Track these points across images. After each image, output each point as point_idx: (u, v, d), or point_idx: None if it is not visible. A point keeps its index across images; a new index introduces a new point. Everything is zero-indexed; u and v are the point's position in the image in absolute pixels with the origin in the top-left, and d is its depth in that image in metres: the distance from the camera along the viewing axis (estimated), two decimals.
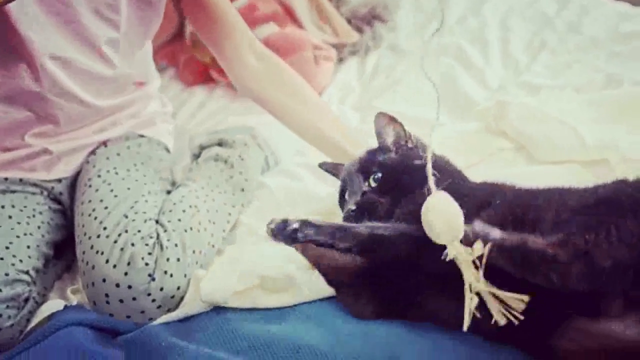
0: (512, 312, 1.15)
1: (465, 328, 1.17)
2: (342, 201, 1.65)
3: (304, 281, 1.51)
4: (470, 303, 1.18)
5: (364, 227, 1.43)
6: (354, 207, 1.54)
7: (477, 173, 1.61)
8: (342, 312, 1.45)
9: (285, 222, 1.53)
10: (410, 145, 1.62)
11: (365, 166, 1.60)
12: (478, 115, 2.00)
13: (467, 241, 1.19)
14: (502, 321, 1.16)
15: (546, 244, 1.14)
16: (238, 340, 1.43)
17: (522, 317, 1.14)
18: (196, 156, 2.08)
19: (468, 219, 1.24)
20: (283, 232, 1.52)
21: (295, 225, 1.50)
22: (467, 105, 2.19)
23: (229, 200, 1.85)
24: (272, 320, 1.47)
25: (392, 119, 1.65)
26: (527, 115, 1.84)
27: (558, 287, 1.13)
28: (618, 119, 1.83)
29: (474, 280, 1.19)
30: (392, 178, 1.55)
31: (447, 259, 1.21)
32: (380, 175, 1.56)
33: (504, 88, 2.26)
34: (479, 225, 1.20)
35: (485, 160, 1.85)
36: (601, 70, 2.18)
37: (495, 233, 1.18)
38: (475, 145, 1.89)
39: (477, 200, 1.38)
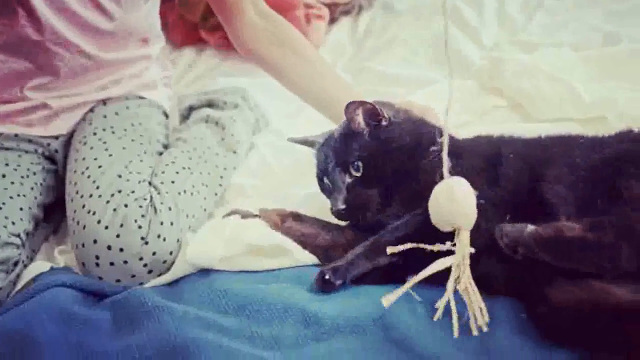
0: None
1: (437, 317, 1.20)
2: (322, 185, 1.53)
3: (293, 247, 1.49)
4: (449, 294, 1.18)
5: (388, 235, 1.34)
6: (343, 206, 1.43)
7: (472, 131, 1.57)
8: None
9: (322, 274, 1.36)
10: (384, 123, 1.46)
11: (341, 156, 1.46)
12: (473, 74, 1.97)
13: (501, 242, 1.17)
14: (475, 326, 1.16)
15: (582, 229, 1.12)
16: (226, 301, 1.40)
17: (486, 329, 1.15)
18: (185, 117, 2.05)
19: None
20: (321, 285, 1.37)
21: (327, 277, 1.34)
22: (462, 64, 2.16)
23: (221, 163, 1.81)
24: (261, 281, 1.44)
25: (362, 103, 1.45)
26: (522, 72, 1.81)
27: (609, 271, 1.10)
28: (615, 76, 1.80)
29: (466, 275, 1.18)
30: (374, 166, 1.42)
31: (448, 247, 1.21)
32: (360, 164, 1.43)
33: (499, 47, 2.22)
34: (507, 227, 1.17)
35: (480, 119, 1.82)
36: (598, 29, 2.15)
37: (529, 229, 1.15)
38: (470, 103, 1.86)
39: (485, 155, 1.35)
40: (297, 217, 1.53)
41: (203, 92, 2.15)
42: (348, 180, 1.43)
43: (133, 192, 1.59)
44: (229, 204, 1.76)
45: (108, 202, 1.57)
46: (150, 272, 1.54)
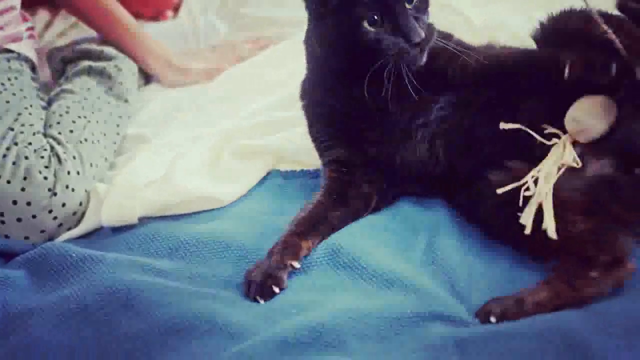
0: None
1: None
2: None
3: (218, 192, 1.46)
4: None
5: None
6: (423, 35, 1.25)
7: None
8: (271, 208, 1.44)
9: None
10: None
11: None
12: None
13: None
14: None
15: None
16: (156, 245, 1.36)
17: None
18: (59, 72, 1.93)
19: None
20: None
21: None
22: None
23: (115, 112, 1.73)
24: (198, 221, 1.40)
25: None
26: None
27: None
28: (502, 3, 1.87)
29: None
30: None
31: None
32: None
33: None
34: None
35: None
36: None
37: None
38: None
39: None
40: None
41: (73, 42, 2.03)
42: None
43: (30, 143, 1.50)
44: (128, 153, 1.69)
45: (5, 155, 1.47)
46: (60, 225, 1.46)
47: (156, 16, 2.34)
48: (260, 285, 1.19)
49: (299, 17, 2.11)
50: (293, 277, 1.24)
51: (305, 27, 1.95)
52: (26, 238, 1.45)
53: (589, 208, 1.17)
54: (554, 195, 1.17)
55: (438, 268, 1.22)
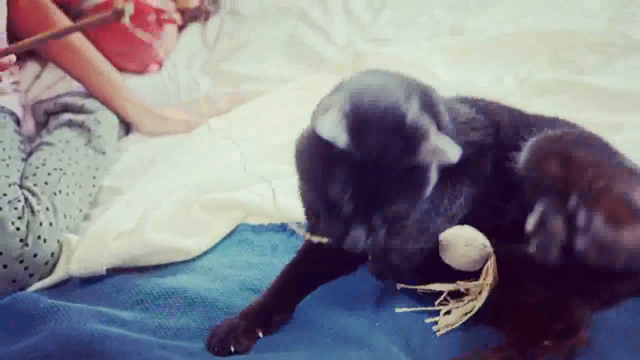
0: None
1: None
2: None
3: (186, 244, 1.49)
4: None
5: None
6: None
7: None
8: (239, 262, 1.47)
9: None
10: None
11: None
12: (335, 70, 2.04)
13: None
14: None
15: None
16: (123, 297, 1.39)
17: None
18: (42, 124, 1.98)
19: None
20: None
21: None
22: (317, 61, 2.23)
23: (92, 164, 1.78)
24: (166, 274, 1.43)
25: None
26: (384, 62, 1.88)
27: None
28: (465, 61, 1.93)
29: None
30: None
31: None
32: None
33: (352, 44, 2.30)
34: None
35: None
36: (443, 22, 2.27)
37: None
38: None
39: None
40: None
41: (57, 95, 2.08)
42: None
43: (5, 194, 1.53)
44: (104, 205, 1.72)
45: None
46: (31, 275, 1.49)
47: (141, 71, 2.39)
48: (221, 341, 1.22)
49: (278, 74, 2.20)
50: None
51: (284, 84, 2.02)
52: None
53: (544, 278, 1.16)
54: (510, 263, 1.18)
55: (393, 326, 1.24)
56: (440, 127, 1.15)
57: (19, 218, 1.50)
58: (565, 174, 1.09)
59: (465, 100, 1.34)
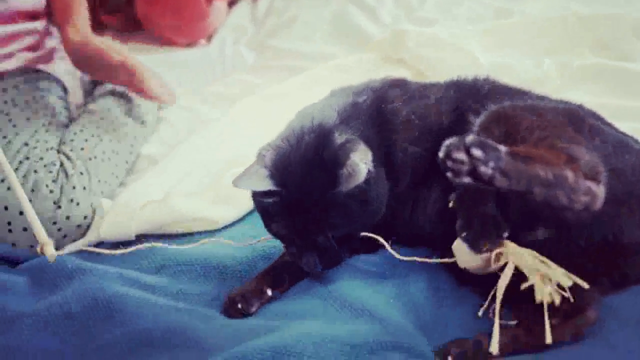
0: None
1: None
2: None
3: (213, 214, 1.51)
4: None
5: None
6: (320, 268, 1.27)
7: None
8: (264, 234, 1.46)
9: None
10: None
11: (316, 224, 1.25)
12: (374, 46, 2.03)
13: None
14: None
15: None
16: (148, 262, 1.43)
17: None
18: (89, 92, 2.03)
19: None
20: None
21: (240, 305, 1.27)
22: (362, 40, 2.23)
23: (131, 132, 1.82)
24: (191, 241, 1.46)
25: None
26: (425, 43, 1.89)
27: None
28: (509, 46, 1.91)
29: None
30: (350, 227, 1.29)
31: None
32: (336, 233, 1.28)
33: (398, 24, 2.29)
34: None
35: None
36: (490, 5, 2.25)
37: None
38: (371, 74, 1.91)
39: None
40: None
41: None
42: (321, 241, 1.26)
43: (42, 158, 1.58)
44: (141, 173, 1.77)
45: (17, 169, 1.55)
46: (64, 236, 1.54)
47: (190, 44, 2.43)
48: (231, 301, 1.26)
49: (323, 52, 2.20)
50: (270, 303, 1.30)
51: (328, 61, 2.03)
52: (31, 247, 1.52)
53: (554, 259, 1.13)
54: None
55: (407, 302, 1.25)
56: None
57: (54, 181, 1.55)
58: (505, 133, 1.16)
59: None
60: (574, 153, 1.10)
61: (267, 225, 1.29)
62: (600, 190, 1.07)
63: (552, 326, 1.10)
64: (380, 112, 1.34)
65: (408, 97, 1.36)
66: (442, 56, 1.84)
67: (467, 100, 1.33)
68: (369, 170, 1.22)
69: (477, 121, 1.22)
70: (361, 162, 1.21)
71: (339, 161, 1.22)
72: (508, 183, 1.05)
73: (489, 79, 1.39)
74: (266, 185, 1.24)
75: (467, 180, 1.05)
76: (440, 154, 1.04)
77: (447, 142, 1.04)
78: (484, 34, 1.95)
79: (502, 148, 1.05)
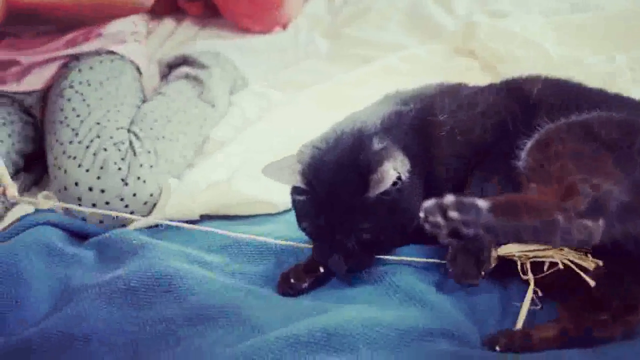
0: None
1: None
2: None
3: (274, 198, 1.54)
4: None
5: None
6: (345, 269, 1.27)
7: None
8: None
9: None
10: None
11: (344, 225, 1.26)
12: (447, 39, 2.03)
13: None
14: None
15: None
16: (209, 241, 1.47)
17: None
18: (165, 77, 2.08)
19: None
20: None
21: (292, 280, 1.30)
22: (435, 31, 2.22)
23: (201, 114, 1.86)
24: (253, 223, 1.49)
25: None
26: (496, 35, 1.88)
27: None
28: (583, 41, 1.87)
29: None
30: (381, 232, 1.29)
31: None
32: (368, 236, 1.27)
33: (472, 16, 2.28)
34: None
35: (454, 79, 1.87)
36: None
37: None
38: (443, 64, 1.92)
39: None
40: None
41: (181, 53, 2.18)
42: (351, 244, 1.26)
43: (112, 137, 1.64)
44: (208, 155, 1.81)
45: (88, 147, 1.62)
46: (131, 213, 1.59)
47: (266, 32, 2.47)
48: (284, 280, 1.30)
49: (396, 42, 2.21)
50: (324, 286, 1.32)
51: (400, 51, 2.03)
52: (100, 222, 1.58)
53: (604, 258, 1.16)
54: None
55: (459, 293, 1.26)
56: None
57: (122, 159, 1.61)
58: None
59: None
60: (580, 187, 1.06)
61: (298, 222, 1.31)
62: (597, 226, 1.04)
63: (602, 322, 1.09)
64: (424, 124, 1.34)
65: (456, 107, 1.35)
66: (512, 49, 1.82)
67: (514, 107, 1.32)
68: (402, 181, 1.24)
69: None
70: (393, 169, 1.22)
71: (372, 166, 1.23)
72: (494, 237, 1.04)
73: (540, 77, 1.38)
74: (294, 180, 1.28)
75: (452, 240, 1.03)
76: (421, 215, 1.03)
77: (425, 204, 1.02)
78: (557, 27, 1.93)
79: (483, 204, 1.01)
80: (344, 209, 1.24)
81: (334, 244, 1.26)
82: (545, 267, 1.20)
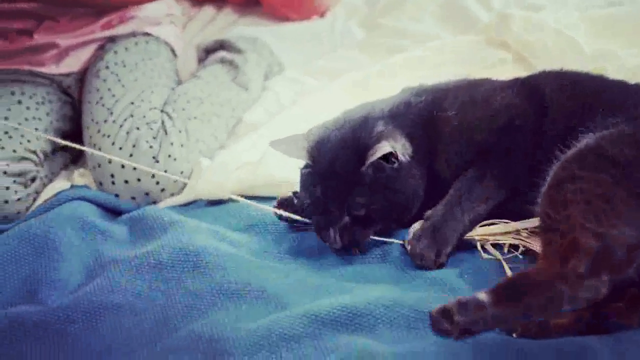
0: None
1: None
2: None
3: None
4: None
5: None
6: (339, 246, 1.32)
7: None
8: None
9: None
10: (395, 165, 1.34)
11: (340, 199, 1.31)
12: (481, 31, 2.04)
13: None
14: None
15: None
16: (237, 220, 1.51)
17: None
18: (202, 61, 2.12)
19: None
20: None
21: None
22: (470, 23, 2.23)
23: (234, 97, 1.90)
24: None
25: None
26: (529, 27, 1.89)
27: None
28: (617, 34, 1.87)
29: None
30: (377, 209, 1.34)
31: None
32: (363, 211, 1.33)
33: (507, 8, 2.27)
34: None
35: (487, 71, 1.88)
36: None
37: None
38: (475, 56, 1.93)
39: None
40: None
41: (219, 38, 2.22)
42: (346, 219, 1.32)
43: (144, 117, 1.69)
44: (241, 137, 1.84)
45: (121, 126, 1.67)
46: (163, 190, 1.64)
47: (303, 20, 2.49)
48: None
49: (430, 33, 2.22)
50: (348, 266, 1.35)
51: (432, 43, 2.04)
52: (133, 199, 1.63)
53: None
54: None
55: (480, 278, 1.28)
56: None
57: (154, 138, 1.65)
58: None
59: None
60: (582, 241, 1.06)
61: (299, 196, 1.38)
62: (602, 282, 1.04)
63: (618, 308, 1.10)
64: (431, 118, 1.39)
65: (467, 105, 1.39)
66: (544, 41, 1.83)
67: (527, 109, 1.35)
68: (399, 162, 1.31)
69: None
70: (390, 147, 1.28)
71: (371, 144, 1.30)
72: (504, 324, 1.07)
73: (558, 75, 1.41)
74: (299, 155, 1.36)
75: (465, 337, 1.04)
76: (430, 321, 1.04)
77: (433, 312, 1.03)
78: (591, 21, 1.93)
79: (485, 298, 1.02)
80: (339, 181, 1.31)
81: (330, 219, 1.31)
82: (505, 249, 1.31)
